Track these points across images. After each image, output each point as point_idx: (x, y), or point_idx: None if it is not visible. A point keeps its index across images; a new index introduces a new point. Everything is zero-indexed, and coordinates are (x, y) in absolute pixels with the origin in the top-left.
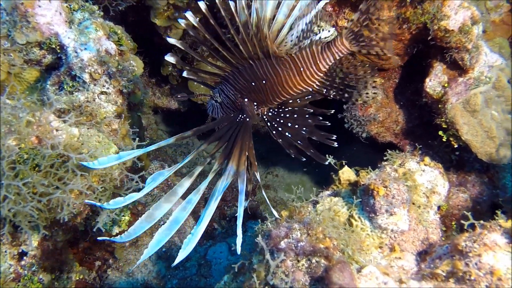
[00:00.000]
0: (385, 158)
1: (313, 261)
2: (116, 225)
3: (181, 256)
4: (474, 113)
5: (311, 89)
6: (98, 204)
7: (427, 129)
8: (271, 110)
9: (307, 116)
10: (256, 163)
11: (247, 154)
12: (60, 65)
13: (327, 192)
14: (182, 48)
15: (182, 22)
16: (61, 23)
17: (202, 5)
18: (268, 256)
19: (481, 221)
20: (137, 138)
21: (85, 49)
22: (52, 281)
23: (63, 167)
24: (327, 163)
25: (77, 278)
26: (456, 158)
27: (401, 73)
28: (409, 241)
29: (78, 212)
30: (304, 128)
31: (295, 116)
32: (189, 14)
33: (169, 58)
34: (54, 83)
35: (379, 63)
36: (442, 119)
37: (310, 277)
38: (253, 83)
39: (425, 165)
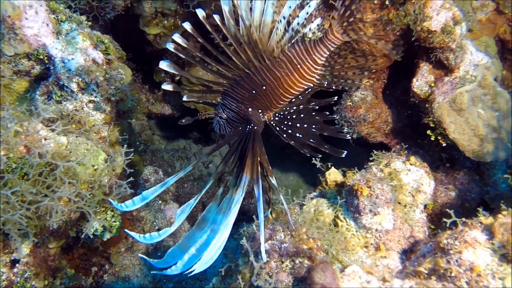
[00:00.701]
0: (371, 158)
1: (297, 261)
2: (107, 231)
3: (199, 268)
4: (461, 112)
5: (312, 85)
6: (133, 234)
7: (416, 128)
8: (277, 115)
9: (313, 113)
10: (270, 168)
11: (259, 160)
12: (49, 75)
13: (314, 194)
14: (174, 72)
15: (170, 47)
16: (48, 34)
17: (187, 26)
18: (252, 258)
19: (463, 219)
20: (125, 145)
21: (72, 59)
22: None
23: (51, 175)
24: (343, 155)
25: (72, 284)
26: (446, 157)
27: (389, 73)
28: (395, 240)
29: (68, 219)
30: (313, 126)
31: (302, 116)
32: (176, 37)
33: (166, 87)
34: (43, 93)
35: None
36: (430, 118)
37: (293, 278)
38: (253, 91)
39: (410, 164)
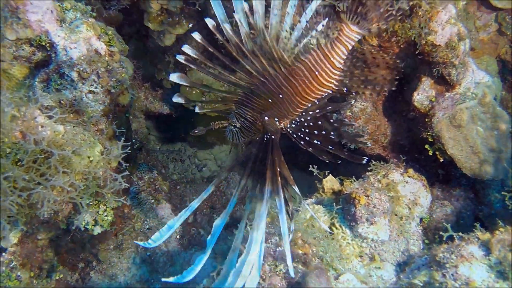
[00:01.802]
0: (369, 168)
1: None
2: (99, 225)
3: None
4: (460, 128)
5: (330, 91)
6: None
7: (414, 142)
8: (293, 122)
9: (332, 120)
10: (291, 177)
11: (280, 170)
12: (49, 62)
13: (311, 200)
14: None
15: (181, 59)
16: (52, 21)
17: (197, 36)
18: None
19: (460, 233)
20: (122, 139)
21: (75, 47)
22: (31, 279)
23: (46, 163)
24: (364, 162)
25: (57, 278)
26: (443, 173)
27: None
28: (390, 251)
29: (59, 209)
30: (332, 133)
31: (319, 123)
32: (186, 48)
33: (176, 99)
34: (43, 80)
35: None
36: (429, 133)
37: (287, 282)
38: (269, 100)
39: (408, 176)
